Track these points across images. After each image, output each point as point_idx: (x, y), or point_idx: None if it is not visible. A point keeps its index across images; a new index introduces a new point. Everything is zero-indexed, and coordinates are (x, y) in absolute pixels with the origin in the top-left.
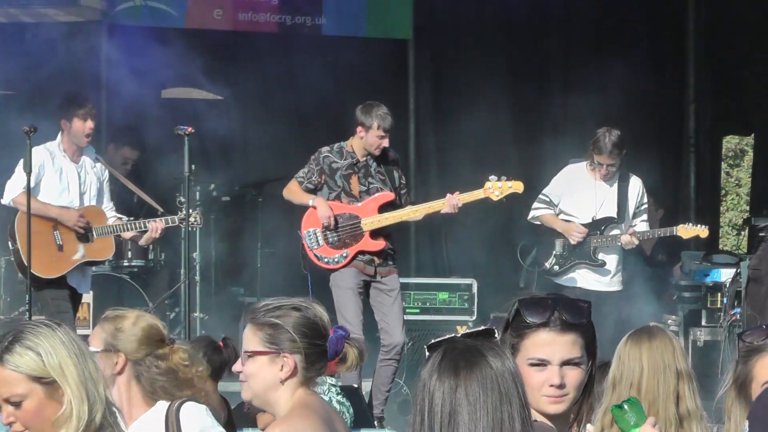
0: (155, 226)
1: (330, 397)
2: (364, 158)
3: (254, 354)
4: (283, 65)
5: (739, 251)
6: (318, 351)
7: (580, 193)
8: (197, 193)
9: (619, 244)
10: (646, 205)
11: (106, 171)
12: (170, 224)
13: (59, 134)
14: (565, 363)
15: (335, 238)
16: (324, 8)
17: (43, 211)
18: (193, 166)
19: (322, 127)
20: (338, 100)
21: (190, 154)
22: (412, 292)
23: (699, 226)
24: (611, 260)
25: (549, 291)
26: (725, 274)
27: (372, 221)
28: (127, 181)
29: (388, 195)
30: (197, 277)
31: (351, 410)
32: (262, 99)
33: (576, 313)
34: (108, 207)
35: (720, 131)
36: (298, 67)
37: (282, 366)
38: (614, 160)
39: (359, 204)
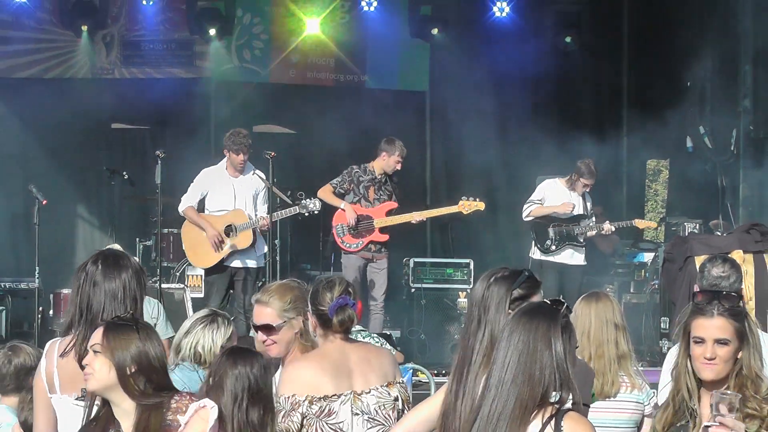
0: (263, 222)
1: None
2: (381, 176)
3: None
4: (337, 109)
5: (657, 241)
6: (322, 313)
7: (558, 200)
8: (277, 198)
9: (602, 231)
10: (592, 210)
11: (262, 183)
12: (288, 214)
13: (225, 158)
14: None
15: (355, 231)
16: (367, 68)
17: (195, 221)
18: (275, 179)
19: (363, 151)
20: (376, 134)
21: (273, 171)
22: (427, 268)
23: (650, 220)
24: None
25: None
26: (647, 257)
27: (381, 221)
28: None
29: (393, 204)
30: (278, 257)
31: None
32: (322, 132)
33: None
34: (262, 210)
35: (644, 157)
36: (348, 111)
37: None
38: (593, 180)
39: (373, 208)
